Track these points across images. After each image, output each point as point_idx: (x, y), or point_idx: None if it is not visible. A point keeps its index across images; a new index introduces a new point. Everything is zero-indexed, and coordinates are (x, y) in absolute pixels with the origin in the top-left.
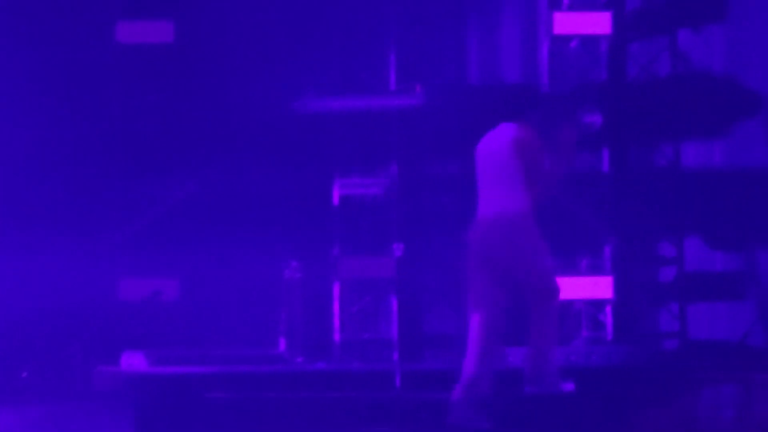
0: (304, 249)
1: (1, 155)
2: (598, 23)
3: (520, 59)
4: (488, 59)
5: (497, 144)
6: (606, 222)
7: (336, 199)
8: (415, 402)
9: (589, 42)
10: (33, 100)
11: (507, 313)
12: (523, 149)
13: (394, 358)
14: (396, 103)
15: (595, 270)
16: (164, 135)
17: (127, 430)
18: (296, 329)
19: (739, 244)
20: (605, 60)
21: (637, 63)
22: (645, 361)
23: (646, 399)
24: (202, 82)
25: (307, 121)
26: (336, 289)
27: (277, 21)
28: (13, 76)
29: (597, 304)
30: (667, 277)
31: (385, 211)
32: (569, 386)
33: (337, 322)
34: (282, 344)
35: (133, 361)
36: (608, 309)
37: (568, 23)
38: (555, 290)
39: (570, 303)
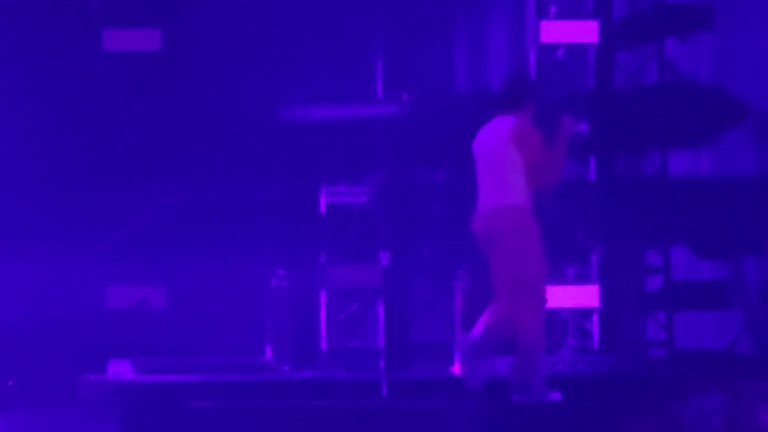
0: (291, 257)
1: None
2: (586, 32)
3: (508, 67)
4: (475, 67)
5: (496, 135)
6: (593, 230)
7: (323, 207)
8: (402, 410)
9: (576, 50)
10: (19, 109)
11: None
12: (522, 139)
13: (380, 366)
14: (383, 111)
15: (582, 279)
16: (151, 143)
17: None
18: (283, 337)
19: (726, 253)
20: (592, 68)
21: (624, 71)
22: (632, 370)
23: (633, 408)
24: (189, 90)
25: (294, 129)
26: (322, 298)
27: (264, 29)
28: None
29: (584, 313)
30: (653, 286)
31: (372, 219)
32: (556, 395)
33: (323, 331)
34: (268, 352)
35: (120, 370)
36: (595, 318)
37: (555, 32)
38: (540, 298)
39: (557, 312)
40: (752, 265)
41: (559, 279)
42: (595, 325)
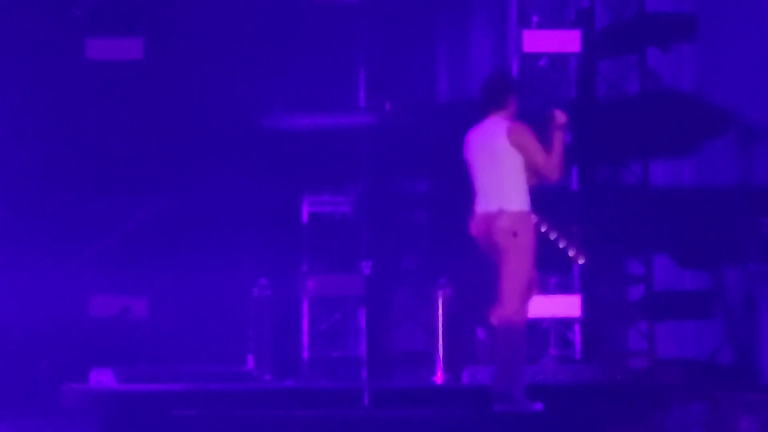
0: (273, 266)
1: None
2: (568, 41)
3: None
4: (458, 77)
5: (491, 138)
6: (575, 240)
7: (305, 216)
8: (384, 420)
9: (558, 60)
10: (1, 117)
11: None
12: (520, 139)
13: (362, 375)
14: (365, 120)
15: (564, 288)
16: (134, 151)
17: None
18: (265, 347)
19: (708, 263)
20: (575, 78)
21: (606, 81)
22: (613, 380)
23: (614, 418)
24: (172, 99)
25: (277, 138)
26: (305, 307)
27: (247, 38)
28: None
29: (565, 323)
30: (635, 296)
31: (354, 228)
32: (538, 406)
33: (305, 340)
34: (250, 362)
35: (102, 378)
36: (577, 327)
37: (537, 41)
38: (525, 307)
39: (538, 321)
40: (734, 275)
41: (541, 288)
42: (577, 335)
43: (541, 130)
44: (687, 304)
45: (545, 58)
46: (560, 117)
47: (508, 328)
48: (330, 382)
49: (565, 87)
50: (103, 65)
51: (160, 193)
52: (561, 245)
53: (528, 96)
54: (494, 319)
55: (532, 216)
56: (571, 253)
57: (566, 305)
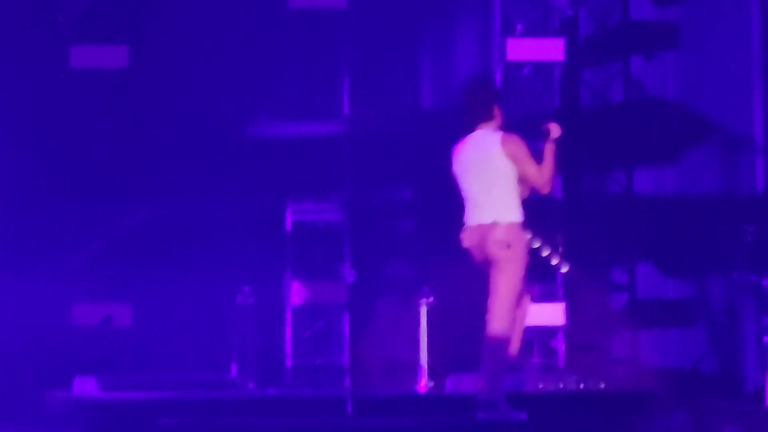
0: (257, 274)
1: None
2: (551, 50)
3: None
4: (441, 84)
5: (484, 149)
6: (558, 248)
7: (288, 224)
8: (367, 428)
9: (542, 68)
10: None
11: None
12: (513, 150)
13: (345, 384)
14: (349, 128)
15: (547, 296)
16: (117, 160)
17: None
18: (248, 354)
19: (691, 271)
20: (558, 86)
21: (590, 89)
22: (596, 388)
23: (597, 426)
24: (156, 107)
25: (261, 146)
26: (288, 315)
27: (231, 45)
28: None
29: (549, 331)
30: (618, 304)
31: (338, 236)
32: (521, 415)
33: (289, 348)
34: (234, 370)
35: (85, 386)
36: (560, 335)
37: (521, 50)
38: (510, 317)
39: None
40: (717, 284)
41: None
42: (560, 343)
43: (526, 139)
44: (670, 313)
45: (529, 67)
46: (555, 130)
47: (496, 337)
48: (313, 390)
49: (549, 95)
50: (88, 73)
51: (144, 201)
52: (545, 253)
53: (512, 105)
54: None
55: (523, 231)
56: (554, 262)
57: (549, 313)
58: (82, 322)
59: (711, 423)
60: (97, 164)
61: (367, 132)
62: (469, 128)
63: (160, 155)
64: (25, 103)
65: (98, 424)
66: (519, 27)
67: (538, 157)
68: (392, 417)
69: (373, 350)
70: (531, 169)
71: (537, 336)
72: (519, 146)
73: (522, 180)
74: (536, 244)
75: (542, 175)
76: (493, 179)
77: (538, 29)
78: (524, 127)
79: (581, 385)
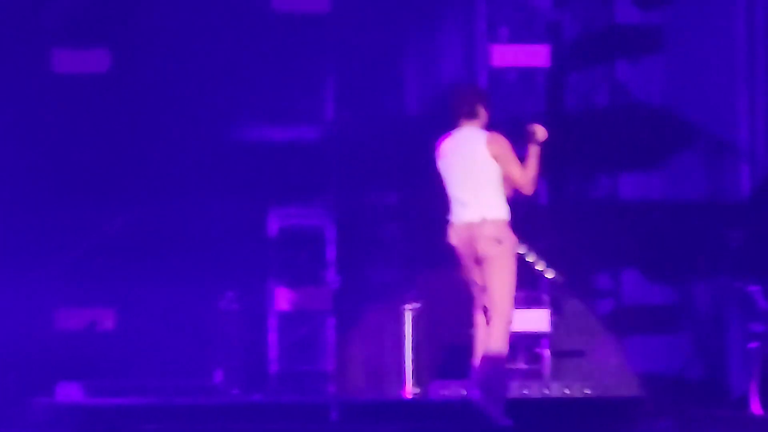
0: (241, 280)
1: None
2: (536, 55)
3: None
4: (426, 90)
5: (470, 148)
6: (543, 254)
7: (272, 229)
8: None
9: (527, 73)
10: None
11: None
12: (498, 151)
13: (330, 390)
14: (333, 132)
15: (532, 303)
16: (100, 164)
17: None
18: (232, 360)
19: (677, 277)
20: (543, 91)
21: (575, 94)
22: (582, 395)
23: None
24: (139, 111)
25: (245, 150)
26: (272, 321)
27: (215, 50)
28: None
29: (534, 337)
30: (604, 310)
31: (322, 241)
32: (507, 421)
33: (273, 354)
34: (218, 376)
35: (69, 392)
36: (545, 341)
37: (506, 55)
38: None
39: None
40: (702, 290)
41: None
42: (545, 349)
43: (512, 144)
44: (655, 319)
45: (514, 72)
46: (540, 131)
47: (505, 329)
48: (297, 397)
49: (534, 100)
50: (70, 77)
51: (127, 206)
52: (530, 259)
53: (497, 110)
54: (488, 321)
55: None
56: (539, 267)
57: (535, 320)
58: (66, 326)
59: (696, 429)
60: (80, 168)
61: (351, 137)
62: (454, 125)
63: (143, 159)
64: (7, 107)
65: (82, 429)
66: (504, 33)
67: (523, 159)
68: (377, 423)
69: (357, 356)
70: (515, 170)
71: (522, 342)
72: (504, 146)
73: (505, 180)
74: (521, 250)
75: (526, 176)
76: (479, 178)
77: (522, 34)
78: (509, 133)
79: (566, 392)
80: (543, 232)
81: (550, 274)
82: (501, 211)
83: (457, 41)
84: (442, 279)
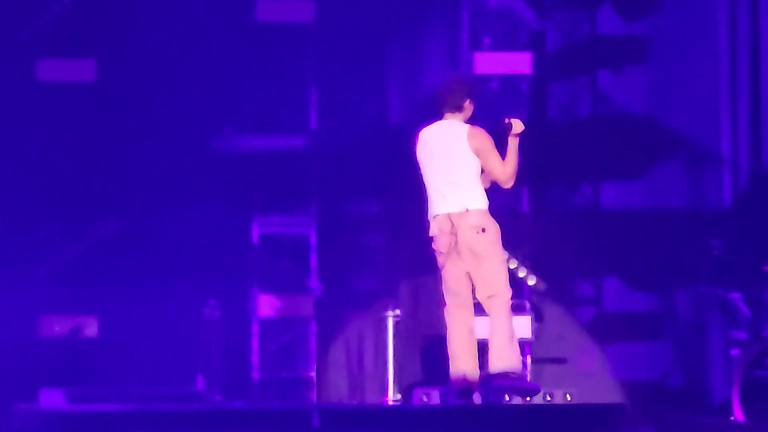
0: (223, 287)
1: None
2: (519, 63)
3: None
4: (409, 99)
5: (450, 139)
6: (525, 261)
7: (255, 237)
8: None
9: (509, 82)
10: None
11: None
12: (479, 144)
13: (312, 396)
14: (316, 141)
15: (514, 310)
16: (84, 173)
17: None
18: (215, 367)
19: (658, 285)
20: (526, 100)
21: (557, 103)
22: (563, 401)
23: None
24: (123, 120)
25: (228, 159)
26: (255, 328)
27: (199, 59)
28: None
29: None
30: (585, 317)
31: (305, 249)
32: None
33: (255, 360)
34: (200, 382)
35: (52, 399)
36: (527, 348)
37: (488, 63)
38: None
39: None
40: (683, 297)
41: None
42: (526, 357)
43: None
44: (637, 326)
45: (496, 80)
46: (517, 125)
47: (507, 310)
48: (280, 403)
49: (517, 109)
50: (55, 87)
51: (111, 214)
52: (512, 266)
53: (479, 118)
54: (487, 309)
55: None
56: (521, 275)
57: (517, 327)
58: (49, 333)
59: None
60: (64, 177)
61: (334, 145)
62: (438, 115)
63: (127, 168)
64: None
65: None
66: (486, 41)
67: (503, 153)
68: (359, 430)
69: (339, 363)
70: (495, 164)
71: None
72: (485, 140)
73: (485, 174)
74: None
75: (505, 171)
76: (460, 170)
77: (505, 43)
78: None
79: (548, 399)
80: (525, 239)
81: (532, 282)
82: (482, 201)
83: (440, 50)
84: (424, 286)
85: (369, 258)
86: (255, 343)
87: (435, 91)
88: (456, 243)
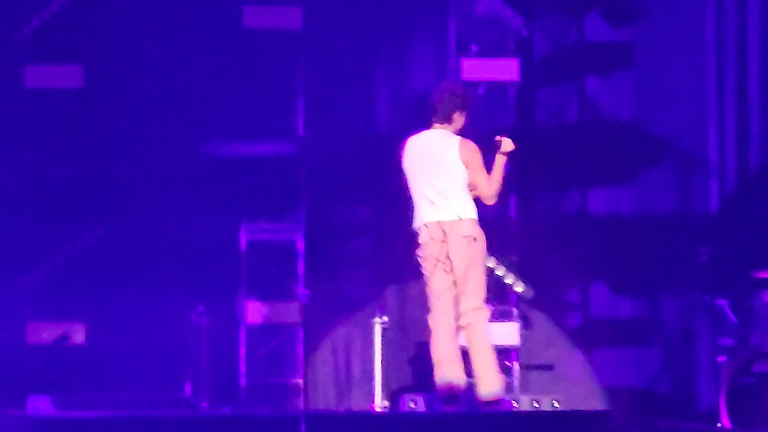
0: (211, 293)
1: None
2: (506, 69)
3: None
4: (397, 105)
5: (440, 149)
6: (512, 267)
7: (243, 243)
8: None
9: (497, 88)
10: None
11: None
12: (468, 157)
13: (299, 403)
14: (304, 148)
15: (502, 316)
16: (72, 179)
17: None
18: (202, 373)
19: (646, 291)
20: (514, 106)
21: (545, 109)
22: (551, 408)
23: None
24: (111, 127)
25: (215, 166)
26: (242, 334)
27: (186, 65)
28: None
29: (503, 351)
30: (573, 323)
31: (292, 256)
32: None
33: (243, 367)
34: (188, 389)
35: (40, 405)
36: (514, 355)
37: (476, 69)
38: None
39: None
40: (671, 303)
41: None
42: (514, 363)
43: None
44: (624, 332)
45: (484, 86)
46: (507, 144)
47: (484, 323)
48: (267, 409)
49: (504, 115)
50: (43, 93)
51: (99, 220)
52: (499, 273)
53: (467, 124)
54: (468, 320)
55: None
56: (508, 281)
57: (504, 333)
58: (37, 340)
59: None
60: (51, 183)
61: (322, 152)
62: (427, 123)
63: (114, 174)
64: None
65: None
66: (474, 47)
67: (489, 170)
68: None
69: (327, 369)
70: (481, 179)
71: None
72: (474, 154)
73: (470, 187)
74: (491, 263)
75: (490, 187)
76: (450, 180)
77: (493, 50)
78: (479, 146)
79: (535, 405)
80: (512, 245)
81: (519, 288)
82: (473, 211)
83: (428, 56)
84: (411, 293)
85: (356, 265)
86: (242, 350)
87: (428, 97)
88: (445, 251)
